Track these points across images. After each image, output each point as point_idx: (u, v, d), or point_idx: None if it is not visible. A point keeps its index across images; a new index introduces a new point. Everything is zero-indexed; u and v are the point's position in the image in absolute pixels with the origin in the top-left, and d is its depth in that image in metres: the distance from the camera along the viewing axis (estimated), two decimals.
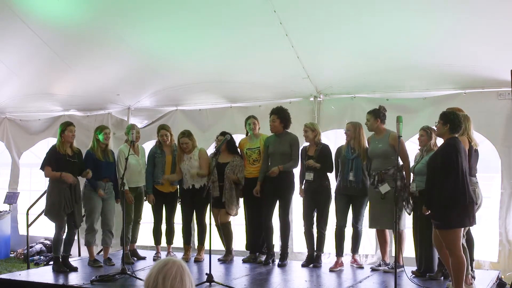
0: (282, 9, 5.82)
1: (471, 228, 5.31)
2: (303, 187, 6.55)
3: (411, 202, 5.82)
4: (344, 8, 5.83)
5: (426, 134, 5.80)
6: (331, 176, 6.53)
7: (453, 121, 4.86)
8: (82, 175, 6.44)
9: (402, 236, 6.03)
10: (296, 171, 6.65)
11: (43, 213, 6.61)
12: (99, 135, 6.61)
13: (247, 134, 6.92)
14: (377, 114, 6.16)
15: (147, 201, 7.06)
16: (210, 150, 7.24)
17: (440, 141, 5.48)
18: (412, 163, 5.95)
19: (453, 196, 4.71)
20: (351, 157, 6.27)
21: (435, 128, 5.22)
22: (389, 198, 5.88)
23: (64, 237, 6.41)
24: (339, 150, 6.48)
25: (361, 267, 6.35)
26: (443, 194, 4.72)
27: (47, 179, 6.46)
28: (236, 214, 6.88)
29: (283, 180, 6.48)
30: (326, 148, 6.51)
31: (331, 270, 6.26)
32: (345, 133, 6.40)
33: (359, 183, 6.23)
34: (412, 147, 6.23)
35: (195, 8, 6.16)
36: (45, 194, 6.53)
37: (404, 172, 5.97)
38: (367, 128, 6.27)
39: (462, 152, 4.79)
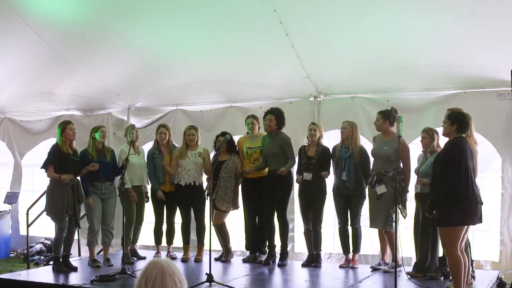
0: (282, 9, 5.82)
1: (474, 226, 5.30)
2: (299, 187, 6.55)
3: (406, 206, 5.84)
4: (344, 8, 5.82)
5: (428, 136, 5.76)
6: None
7: (460, 121, 4.84)
8: (90, 166, 6.39)
9: (392, 237, 6.01)
10: (295, 171, 6.65)
11: (45, 213, 6.59)
12: (95, 134, 6.60)
13: (248, 133, 6.92)
14: (387, 116, 6.08)
15: (150, 201, 7.05)
16: (210, 150, 7.21)
17: (442, 141, 5.47)
18: (416, 165, 5.94)
19: (453, 193, 4.70)
20: (344, 157, 6.27)
21: (438, 129, 5.21)
22: (383, 199, 5.91)
23: (64, 236, 6.40)
24: (333, 150, 6.49)
25: (353, 267, 6.34)
26: (443, 192, 4.72)
27: (48, 178, 6.45)
28: (237, 208, 6.87)
29: (280, 180, 6.45)
30: (327, 151, 6.49)
31: (340, 266, 6.37)
32: (341, 131, 6.37)
33: (352, 183, 6.23)
34: (414, 148, 6.23)
35: (195, 8, 6.15)
36: (45, 194, 6.52)
37: (403, 175, 5.94)
38: (375, 127, 6.22)
39: (467, 151, 4.78)
